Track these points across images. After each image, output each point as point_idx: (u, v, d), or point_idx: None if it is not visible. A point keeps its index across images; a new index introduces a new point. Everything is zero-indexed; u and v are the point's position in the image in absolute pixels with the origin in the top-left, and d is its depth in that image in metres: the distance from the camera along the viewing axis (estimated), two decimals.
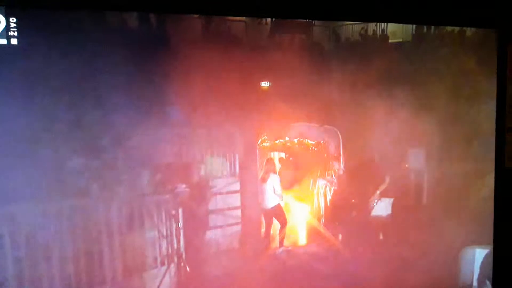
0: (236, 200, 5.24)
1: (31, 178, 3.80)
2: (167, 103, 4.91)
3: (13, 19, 3.45)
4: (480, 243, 4.85)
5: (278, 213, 5.45)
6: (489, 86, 4.15)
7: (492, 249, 4.37)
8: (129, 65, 4.18)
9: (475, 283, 4.83)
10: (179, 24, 4.94)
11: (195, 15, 4.89)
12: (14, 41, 3.50)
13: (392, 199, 5.52)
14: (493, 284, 4.29)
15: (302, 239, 5.84)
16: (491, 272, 4.52)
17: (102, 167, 4.38)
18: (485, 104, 4.64)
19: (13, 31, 3.48)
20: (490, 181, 4.84)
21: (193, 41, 4.99)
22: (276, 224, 5.54)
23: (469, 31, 5.84)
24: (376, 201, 5.51)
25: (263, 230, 5.50)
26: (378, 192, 5.50)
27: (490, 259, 4.58)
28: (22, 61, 3.61)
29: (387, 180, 5.50)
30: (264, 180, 5.38)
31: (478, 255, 4.84)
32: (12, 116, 3.66)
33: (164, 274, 4.31)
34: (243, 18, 5.31)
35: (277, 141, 5.79)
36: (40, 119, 3.86)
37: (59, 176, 4.06)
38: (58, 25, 3.73)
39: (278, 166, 5.68)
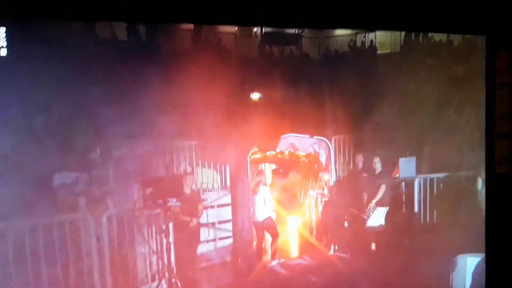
0: (227, 213, 5.21)
1: (20, 193, 3.74)
2: (157, 116, 4.88)
3: (2, 29, 3.40)
4: (472, 252, 4.85)
5: (269, 225, 5.42)
6: (478, 93, 4.18)
7: (484, 256, 4.37)
8: (120, 77, 4.16)
9: None
10: (169, 37, 4.93)
11: (186, 28, 4.90)
12: (3, 52, 3.45)
13: (385, 209, 5.51)
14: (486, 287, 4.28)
15: (294, 251, 5.81)
16: (482, 280, 4.52)
17: (92, 181, 4.34)
18: (475, 111, 4.68)
19: (3, 42, 3.43)
20: (481, 188, 4.88)
21: (183, 53, 4.98)
22: (268, 237, 5.50)
23: (457, 40, 5.92)
24: (372, 211, 5.50)
25: (255, 243, 5.46)
26: (373, 202, 5.49)
27: (482, 267, 4.59)
28: (12, 72, 3.55)
29: (379, 190, 5.49)
30: (255, 192, 5.35)
31: (470, 264, 4.85)
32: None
33: None
34: (233, 31, 5.33)
35: (267, 153, 5.78)
36: (30, 131, 3.81)
37: (48, 191, 4.01)
38: (49, 36, 3.69)
39: (269, 178, 5.65)
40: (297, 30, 5.70)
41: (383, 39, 6.72)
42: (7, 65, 3.51)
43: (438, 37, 6.09)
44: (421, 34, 6.42)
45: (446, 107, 5.53)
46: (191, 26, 4.99)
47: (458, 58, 5.44)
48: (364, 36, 6.62)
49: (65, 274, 3.85)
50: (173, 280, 4.27)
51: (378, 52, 6.64)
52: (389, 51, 6.68)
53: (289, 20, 3.91)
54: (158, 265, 4.40)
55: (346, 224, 5.82)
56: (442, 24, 3.95)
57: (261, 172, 5.50)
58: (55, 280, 3.79)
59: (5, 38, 3.46)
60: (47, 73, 3.71)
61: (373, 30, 6.04)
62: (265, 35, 5.52)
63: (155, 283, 4.33)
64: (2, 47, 3.46)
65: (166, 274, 4.26)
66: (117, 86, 4.20)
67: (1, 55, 3.48)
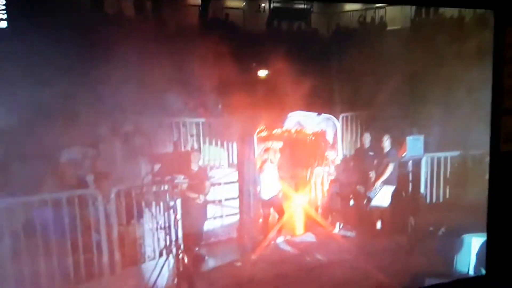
0: (234, 190, 5.23)
1: (29, 170, 3.76)
2: (164, 93, 4.86)
3: (1, 1, 3.32)
4: (477, 231, 4.86)
5: (275, 203, 5.44)
6: (488, 69, 4.09)
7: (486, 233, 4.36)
8: (125, 53, 4.10)
9: (471, 271, 4.87)
10: (176, 12, 4.86)
11: (194, 4, 4.82)
12: (3, 24, 3.37)
13: (391, 188, 5.50)
14: (486, 266, 4.28)
15: (300, 229, 5.85)
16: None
17: (100, 157, 4.35)
18: (485, 88, 4.61)
19: (2, 14, 3.35)
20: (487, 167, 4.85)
21: (190, 29, 4.92)
22: (274, 214, 5.54)
23: (467, 17, 5.80)
24: (379, 189, 5.49)
25: (261, 220, 5.49)
26: (380, 180, 5.47)
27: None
28: (11, 46, 3.50)
29: (387, 169, 5.47)
30: (261, 170, 5.36)
31: (475, 244, 4.87)
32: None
33: (163, 265, 4.30)
34: (241, 6, 5.25)
35: (274, 131, 5.75)
36: (32, 107, 3.79)
37: (56, 167, 4.03)
38: (55, 10, 3.64)
39: (275, 156, 5.64)
40: (306, 5, 5.60)
41: (393, 15, 6.62)
42: (13, 39, 3.45)
43: (449, 13, 5.98)
44: (431, 9, 6.30)
45: (455, 84, 5.45)
46: (198, 1, 4.91)
47: (469, 34, 5.34)
48: (374, 12, 6.52)
49: (73, 249, 3.88)
50: (180, 255, 4.31)
51: (388, 28, 6.55)
52: (399, 27, 6.59)
53: None
54: (166, 241, 4.44)
55: (352, 202, 5.85)
56: None
57: (267, 150, 5.48)
58: (64, 255, 3.83)
59: (12, 11, 3.37)
60: (53, 49, 3.66)
61: (382, 3, 5.91)
62: (273, 10, 5.42)
63: (163, 259, 4.37)
64: (2, 19, 3.36)
65: (174, 250, 4.30)
66: (125, 63, 4.15)
67: (6, 28, 3.39)
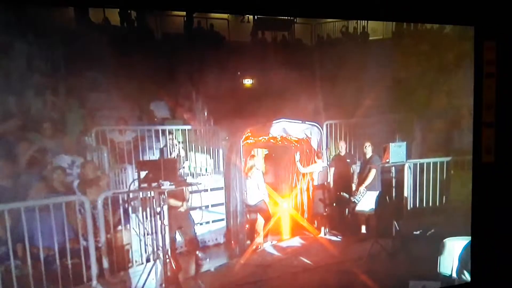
0: (220, 196, 5.27)
1: (15, 176, 3.78)
2: (150, 100, 4.92)
3: None
4: (460, 235, 4.94)
5: (262, 208, 5.50)
6: (467, 81, 4.23)
7: (470, 241, 4.45)
8: (111, 62, 4.17)
9: (454, 274, 4.94)
10: (162, 22, 4.95)
11: (179, 14, 4.91)
12: None
13: (375, 193, 5.59)
14: (471, 275, 4.37)
15: (286, 234, 5.90)
16: (469, 264, 4.61)
17: (87, 164, 4.38)
18: (465, 99, 4.74)
19: None
20: (468, 175, 4.96)
21: (175, 39, 5.01)
22: (260, 219, 5.59)
23: (448, 28, 5.96)
24: (362, 195, 5.57)
25: (247, 225, 5.54)
26: (363, 186, 5.56)
27: (469, 251, 4.68)
28: (5, 55, 3.55)
29: (370, 175, 5.57)
30: (247, 176, 5.42)
31: (457, 247, 4.94)
32: None
33: (150, 270, 4.31)
34: (226, 16, 5.35)
35: (260, 138, 5.83)
36: (24, 114, 3.84)
37: (42, 173, 4.04)
38: (43, 19, 3.69)
39: (261, 162, 5.72)
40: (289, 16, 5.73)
41: (375, 26, 6.77)
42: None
43: (430, 24, 6.14)
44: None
45: (437, 93, 5.59)
46: (183, 11, 4.99)
47: (449, 45, 5.49)
48: (356, 22, 6.67)
49: (61, 255, 3.89)
50: (167, 261, 4.33)
51: (370, 38, 6.70)
52: (381, 37, 6.74)
53: (281, 9, 3.91)
54: (153, 247, 4.46)
55: (337, 207, 5.92)
56: (431, 14, 3.97)
57: (253, 157, 5.56)
58: (51, 261, 3.84)
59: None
60: (40, 58, 3.72)
61: (362, 19, 6.07)
62: (257, 21, 5.54)
63: (150, 264, 4.38)
64: None
65: (161, 255, 4.31)
66: (111, 72, 4.22)
67: None
